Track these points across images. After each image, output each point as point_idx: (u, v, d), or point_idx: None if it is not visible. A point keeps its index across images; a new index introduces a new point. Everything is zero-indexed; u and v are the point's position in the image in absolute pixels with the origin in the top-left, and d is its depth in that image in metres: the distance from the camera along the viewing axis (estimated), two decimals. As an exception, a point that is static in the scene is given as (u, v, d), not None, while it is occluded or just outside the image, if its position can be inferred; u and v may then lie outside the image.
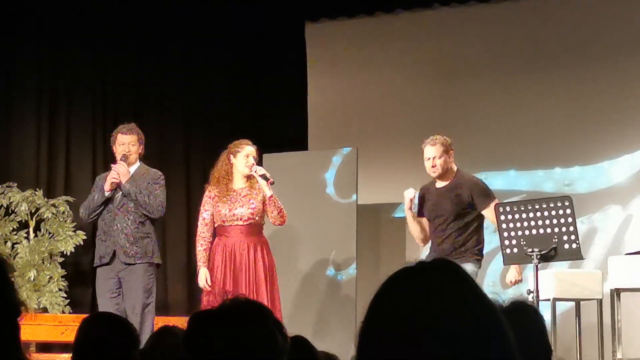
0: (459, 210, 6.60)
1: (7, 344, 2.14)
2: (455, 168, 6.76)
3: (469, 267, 6.42)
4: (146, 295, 6.79)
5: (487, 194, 6.66)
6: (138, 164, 7.12)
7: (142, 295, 6.76)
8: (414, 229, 6.85)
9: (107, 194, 6.91)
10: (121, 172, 6.93)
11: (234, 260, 6.86)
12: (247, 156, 6.94)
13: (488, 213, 6.56)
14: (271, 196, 6.87)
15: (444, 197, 6.66)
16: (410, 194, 6.71)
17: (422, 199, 6.83)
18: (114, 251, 6.85)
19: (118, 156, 7.06)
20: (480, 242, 6.67)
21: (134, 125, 7.21)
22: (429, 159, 6.69)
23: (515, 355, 1.35)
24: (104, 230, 6.96)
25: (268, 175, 6.88)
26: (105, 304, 6.78)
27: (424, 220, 6.87)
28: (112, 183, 6.90)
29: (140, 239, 6.88)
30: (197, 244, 7.06)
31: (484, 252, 6.78)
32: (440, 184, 6.75)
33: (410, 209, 6.78)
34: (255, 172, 6.90)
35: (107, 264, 6.87)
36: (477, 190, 6.67)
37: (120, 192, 6.93)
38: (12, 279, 2.20)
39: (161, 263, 7.27)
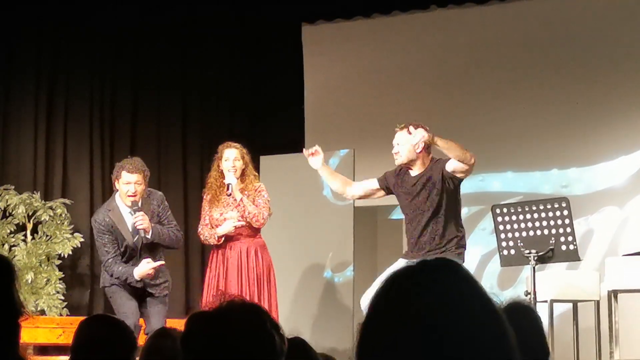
0: (433, 197, 6.17)
1: (7, 344, 2.15)
2: (429, 157, 6.28)
3: None
4: (164, 321, 6.75)
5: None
6: None
7: (163, 322, 6.71)
8: (332, 181, 6.58)
9: (136, 279, 6.60)
10: (146, 227, 6.55)
11: (227, 264, 6.88)
12: (227, 160, 6.93)
13: (450, 164, 6.12)
14: (240, 200, 6.87)
15: (417, 186, 6.22)
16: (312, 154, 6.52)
17: (396, 176, 6.39)
18: (143, 287, 6.70)
19: (122, 194, 6.57)
20: (459, 232, 6.26)
21: (138, 160, 6.68)
22: (395, 145, 6.29)
23: (516, 355, 1.35)
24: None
25: (232, 185, 6.85)
26: (131, 308, 6.65)
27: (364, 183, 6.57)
28: (149, 271, 6.58)
29: (162, 272, 6.77)
30: (201, 236, 7.04)
31: (465, 243, 6.36)
32: (414, 172, 6.29)
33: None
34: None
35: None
36: (443, 161, 6.20)
37: (140, 239, 6.61)
38: (16, 281, 2.22)
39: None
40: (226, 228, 6.86)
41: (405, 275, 1.40)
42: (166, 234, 6.70)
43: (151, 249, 6.72)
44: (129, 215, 6.64)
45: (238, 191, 6.86)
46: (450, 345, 1.31)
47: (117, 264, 6.62)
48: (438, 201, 6.20)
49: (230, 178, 6.86)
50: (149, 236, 6.59)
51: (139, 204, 6.59)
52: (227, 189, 6.85)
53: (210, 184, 7.04)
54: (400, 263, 6.35)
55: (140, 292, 6.71)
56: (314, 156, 6.55)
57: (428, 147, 6.27)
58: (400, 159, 6.27)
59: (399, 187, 6.36)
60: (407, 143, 6.23)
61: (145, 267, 6.55)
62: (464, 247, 6.28)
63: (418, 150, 6.23)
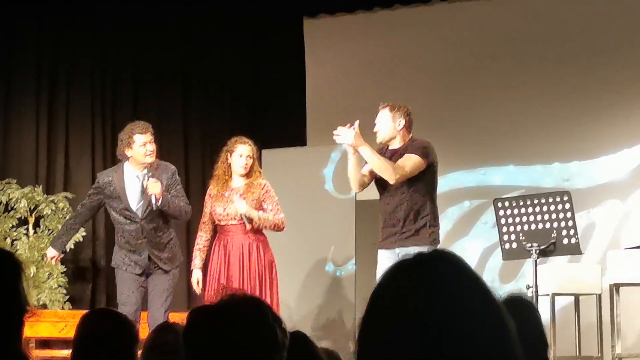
0: None
1: (9, 340, 2.16)
2: (409, 136, 6.33)
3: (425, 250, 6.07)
4: (170, 296, 6.74)
5: (418, 148, 6.21)
6: None
7: (168, 298, 6.70)
8: (358, 169, 6.37)
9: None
10: (157, 194, 6.54)
11: (229, 259, 6.88)
12: (240, 156, 6.93)
13: (404, 160, 6.15)
14: (256, 224, 6.84)
15: (394, 159, 6.22)
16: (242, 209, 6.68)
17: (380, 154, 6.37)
18: (149, 262, 6.69)
19: (140, 157, 6.55)
20: (433, 212, 6.24)
21: (144, 122, 6.72)
22: (376, 123, 6.37)
23: (516, 347, 1.35)
24: (128, 241, 6.69)
25: (247, 216, 6.78)
26: (130, 298, 6.66)
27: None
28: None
29: (169, 244, 6.77)
30: (195, 243, 7.10)
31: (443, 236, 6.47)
32: (392, 146, 6.35)
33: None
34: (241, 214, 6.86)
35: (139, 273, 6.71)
36: (415, 145, 6.23)
37: (146, 205, 6.62)
38: (23, 278, 2.24)
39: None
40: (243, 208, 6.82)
41: (402, 269, 1.39)
42: (175, 202, 6.68)
43: (158, 222, 6.70)
44: (134, 179, 6.66)
45: (253, 210, 6.82)
46: (449, 341, 1.30)
47: (70, 227, 6.88)
48: (410, 179, 6.17)
49: (242, 206, 6.82)
50: (159, 204, 6.57)
51: (154, 168, 6.60)
52: (247, 221, 6.80)
53: (217, 176, 7.02)
54: (381, 255, 6.35)
55: (147, 270, 6.71)
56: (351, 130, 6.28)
57: (409, 125, 6.36)
58: (379, 137, 6.36)
59: None
60: (387, 120, 6.33)
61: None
62: (437, 226, 6.29)
63: (399, 128, 6.33)
